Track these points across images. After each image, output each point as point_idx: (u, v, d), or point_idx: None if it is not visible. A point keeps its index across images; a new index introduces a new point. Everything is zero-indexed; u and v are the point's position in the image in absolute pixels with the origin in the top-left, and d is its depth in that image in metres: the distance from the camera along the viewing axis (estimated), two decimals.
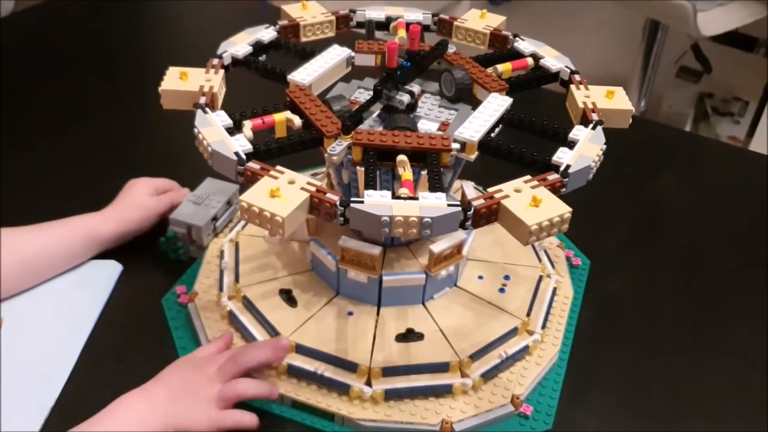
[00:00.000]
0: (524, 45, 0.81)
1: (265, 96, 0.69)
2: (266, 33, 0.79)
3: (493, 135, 0.68)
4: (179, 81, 0.70)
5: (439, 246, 0.74)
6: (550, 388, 0.76)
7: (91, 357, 0.77)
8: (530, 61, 0.79)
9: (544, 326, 0.80)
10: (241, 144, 0.63)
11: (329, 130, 0.65)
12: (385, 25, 0.83)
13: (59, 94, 1.21)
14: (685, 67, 2.34)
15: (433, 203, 0.58)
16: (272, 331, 0.75)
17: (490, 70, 0.76)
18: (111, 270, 0.86)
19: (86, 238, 0.85)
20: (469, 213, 0.58)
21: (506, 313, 0.78)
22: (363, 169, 0.63)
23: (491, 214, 0.59)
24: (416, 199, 0.58)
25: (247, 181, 0.61)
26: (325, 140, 0.65)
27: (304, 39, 0.81)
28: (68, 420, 0.65)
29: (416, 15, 0.83)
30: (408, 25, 0.80)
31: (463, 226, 0.59)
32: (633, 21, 2.42)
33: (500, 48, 0.82)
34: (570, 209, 0.59)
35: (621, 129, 0.72)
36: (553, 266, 0.88)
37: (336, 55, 0.76)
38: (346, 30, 0.84)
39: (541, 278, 0.83)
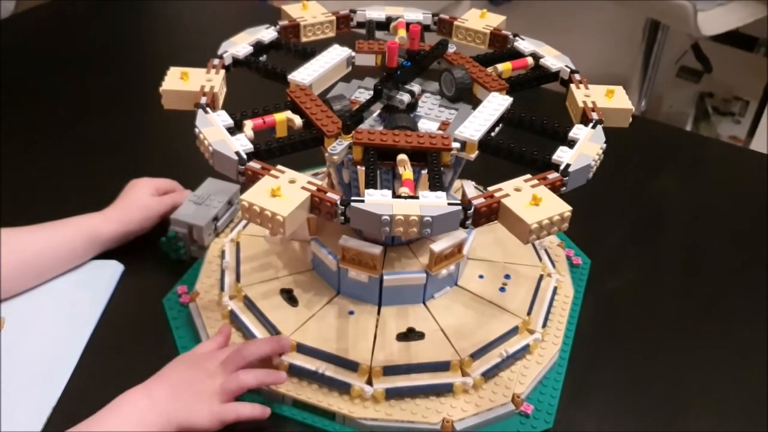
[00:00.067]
0: (524, 44, 0.81)
1: (265, 96, 0.70)
2: (267, 33, 0.80)
3: (493, 134, 0.68)
4: (180, 81, 0.71)
5: (440, 245, 0.74)
6: (550, 387, 0.76)
7: (93, 356, 0.77)
8: (530, 60, 0.80)
9: (544, 325, 0.80)
10: (242, 144, 0.63)
11: (330, 130, 0.65)
12: (385, 25, 0.83)
13: (60, 95, 1.21)
14: (686, 67, 2.34)
15: (433, 202, 0.58)
16: (273, 331, 0.75)
17: (490, 69, 0.76)
18: (112, 270, 0.87)
19: (87, 238, 0.85)
20: (469, 212, 0.58)
21: (507, 313, 0.78)
22: (363, 168, 0.63)
23: (491, 212, 0.59)
24: (417, 198, 0.58)
25: (248, 180, 0.61)
26: (325, 140, 0.65)
27: (304, 39, 0.82)
28: (70, 419, 0.65)
29: (416, 15, 0.84)
30: (408, 25, 0.81)
31: (463, 224, 0.59)
32: (633, 21, 2.42)
33: (500, 47, 0.82)
34: (570, 208, 0.59)
35: (622, 128, 0.72)
36: (553, 265, 0.88)
37: (336, 55, 0.76)
38: (347, 30, 0.84)
39: (541, 277, 0.83)
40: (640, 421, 0.75)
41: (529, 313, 0.79)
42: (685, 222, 1.04)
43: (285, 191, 0.58)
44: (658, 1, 1.95)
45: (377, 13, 0.83)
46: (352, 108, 0.70)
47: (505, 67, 0.77)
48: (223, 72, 0.73)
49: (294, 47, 0.79)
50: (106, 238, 0.86)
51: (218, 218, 0.89)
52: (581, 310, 0.85)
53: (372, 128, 0.69)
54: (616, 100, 0.73)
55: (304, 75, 0.72)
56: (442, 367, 0.73)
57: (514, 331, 0.77)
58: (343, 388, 0.72)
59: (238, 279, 0.81)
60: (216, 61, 0.74)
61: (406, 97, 0.70)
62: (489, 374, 0.74)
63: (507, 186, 0.61)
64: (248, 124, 0.66)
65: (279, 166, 0.61)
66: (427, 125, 0.72)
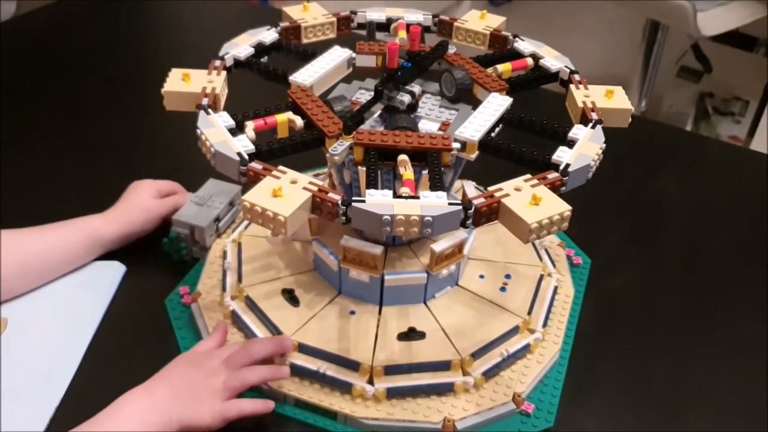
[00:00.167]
0: (524, 45, 0.81)
1: (267, 97, 0.70)
2: (268, 34, 0.80)
3: (493, 134, 0.68)
4: (182, 83, 0.71)
5: (441, 245, 0.74)
6: (551, 386, 0.77)
7: (95, 357, 0.78)
8: (530, 61, 0.80)
9: (545, 325, 0.80)
10: (244, 144, 0.63)
11: (331, 131, 0.65)
12: (385, 26, 0.83)
13: (60, 95, 1.21)
14: (686, 67, 2.35)
15: (434, 202, 0.58)
16: (275, 331, 0.75)
17: (490, 70, 0.77)
18: (114, 271, 0.87)
19: (89, 240, 0.85)
20: (469, 212, 0.59)
21: (507, 312, 0.78)
22: (364, 168, 0.64)
23: (492, 212, 0.60)
24: (417, 198, 0.58)
25: (250, 181, 0.61)
26: (326, 140, 0.65)
27: (305, 40, 0.82)
28: (73, 420, 0.66)
29: (416, 16, 0.84)
30: (408, 26, 0.81)
31: (463, 224, 0.59)
32: (633, 21, 2.42)
33: (500, 48, 0.82)
34: (570, 207, 0.59)
35: (622, 128, 0.72)
36: (554, 265, 0.88)
37: (337, 56, 0.76)
38: (347, 31, 0.84)
39: (542, 277, 0.83)
40: (641, 420, 0.76)
41: (529, 313, 0.79)
42: (685, 222, 1.04)
43: (286, 192, 0.58)
44: (658, 1, 1.96)
45: (378, 15, 0.83)
46: (352, 109, 0.70)
47: (505, 67, 0.77)
48: (224, 73, 0.73)
49: (295, 48, 0.79)
50: (107, 240, 0.86)
51: (220, 219, 0.89)
52: (581, 309, 0.86)
53: (373, 129, 0.69)
54: (616, 100, 0.73)
55: (305, 76, 0.72)
56: (443, 366, 0.73)
57: (514, 330, 0.77)
58: (345, 388, 0.73)
59: (239, 279, 0.81)
60: (217, 63, 0.74)
61: (406, 98, 0.71)
62: (490, 373, 0.74)
63: (507, 186, 0.61)
64: (250, 125, 0.66)
65: (280, 167, 0.61)
66: (428, 126, 0.72)
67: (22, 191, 0.99)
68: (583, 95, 0.73)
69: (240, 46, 0.77)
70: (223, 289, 0.82)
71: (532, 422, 0.73)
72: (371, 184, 0.61)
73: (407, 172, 0.62)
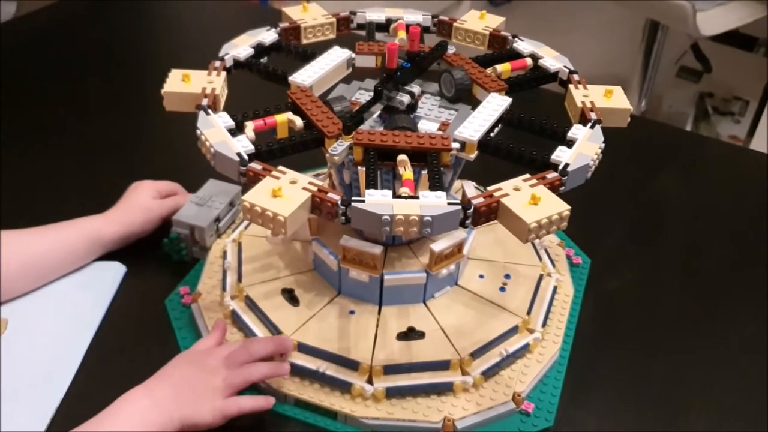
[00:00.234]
0: (523, 45, 0.81)
1: (266, 97, 0.70)
2: (267, 35, 0.80)
3: (492, 134, 0.69)
4: (181, 83, 0.71)
5: (440, 245, 0.74)
6: (551, 386, 0.77)
7: (96, 358, 0.78)
8: (529, 61, 0.80)
9: (544, 324, 0.80)
10: (243, 145, 0.64)
11: (330, 131, 0.65)
12: (385, 26, 0.83)
13: (60, 96, 1.21)
14: (685, 67, 2.35)
15: (433, 202, 0.58)
16: (275, 331, 0.76)
17: (489, 70, 0.77)
18: (115, 271, 0.87)
19: (89, 240, 0.85)
20: (469, 211, 0.59)
21: (507, 312, 0.78)
22: (364, 168, 0.64)
23: (491, 212, 0.60)
24: (417, 198, 0.58)
25: (250, 181, 0.61)
26: (326, 141, 0.66)
27: (305, 41, 0.82)
28: (73, 420, 0.66)
29: (416, 16, 0.84)
30: (408, 26, 0.81)
31: (463, 224, 0.59)
32: (633, 21, 2.42)
33: (499, 48, 0.83)
34: (568, 207, 0.59)
35: (623, 128, 0.73)
36: (553, 265, 0.88)
37: (337, 56, 0.76)
38: (347, 32, 0.84)
39: (541, 277, 0.84)
40: (640, 419, 0.76)
41: (529, 313, 0.79)
42: (685, 222, 1.04)
43: (286, 192, 0.58)
44: (657, 1, 1.96)
45: (377, 15, 0.83)
46: (352, 109, 0.70)
47: (504, 67, 0.77)
48: (224, 74, 0.73)
49: (294, 49, 0.79)
50: (108, 240, 0.86)
51: (220, 219, 0.89)
52: (581, 309, 0.86)
53: (372, 129, 0.69)
54: (615, 100, 0.73)
55: (305, 76, 0.72)
56: (443, 366, 0.73)
57: (514, 330, 0.77)
58: (345, 388, 0.73)
59: (239, 279, 0.81)
60: (217, 63, 0.74)
61: (406, 98, 0.71)
62: (489, 373, 0.75)
63: (506, 186, 0.61)
64: (249, 126, 0.66)
65: (280, 167, 0.62)
66: (427, 126, 0.72)
67: (22, 191, 0.99)
68: (582, 95, 0.73)
69: (240, 47, 0.77)
70: (223, 289, 0.82)
71: (531, 421, 0.73)
72: (371, 184, 0.61)
73: (407, 172, 0.63)
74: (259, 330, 0.77)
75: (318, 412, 0.73)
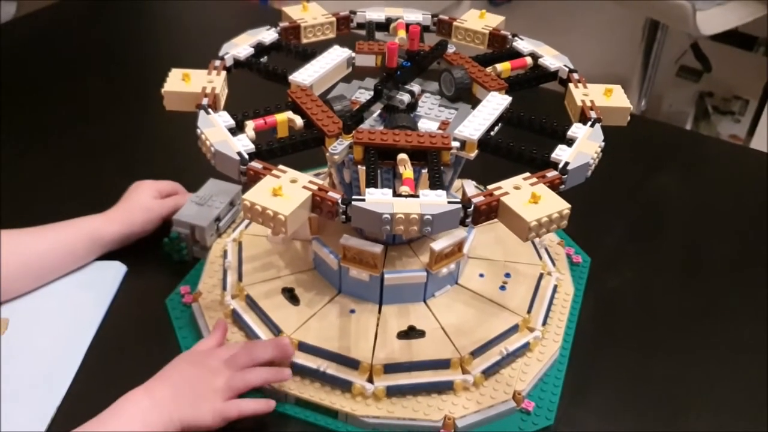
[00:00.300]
0: (523, 44, 0.81)
1: (266, 97, 0.70)
2: (267, 35, 0.80)
3: (492, 133, 0.69)
4: (182, 83, 0.71)
5: (440, 244, 0.75)
6: (551, 384, 0.77)
7: (96, 357, 0.78)
8: (529, 60, 0.80)
9: (544, 323, 0.80)
10: (244, 144, 0.64)
11: (330, 130, 0.65)
12: (385, 26, 0.83)
13: (60, 96, 1.21)
14: (685, 66, 2.35)
15: (433, 200, 0.58)
16: (275, 330, 0.76)
17: (489, 69, 0.77)
18: (115, 271, 0.87)
19: (90, 240, 0.85)
20: (469, 210, 0.59)
21: (507, 311, 0.78)
22: (364, 167, 0.64)
23: (491, 210, 0.60)
24: (417, 196, 0.58)
25: (250, 180, 0.61)
26: (326, 140, 0.66)
27: (305, 40, 0.82)
28: (74, 420, 0.66)
29: (416, 16, 0.84)
30: (408, 25, 0.81)
31: (463, 223, 0.59)
32: (633, 21, 2.42)
33: (499, 47, 0.83)
34: (568, 205, 0.59)
35: (623, 128, 0.73)
36: (553, 264, 0.88)
37: (337, 55, 0.76)
38: (347, 31, 0.84)
39: (541, 276, 0.84)
40: (640, 419, 0.76)
41: (529, 311, 0.79)
42: (684, 221, 1.04)
43: (286, 191, 0.58)
44: (657, 1, 1.96)
45: (377, 14, 0.83)
46: (352, 108, 0.71)
47: (504, 66, 0.77)
48: (224, 73, 0.74)
49: (294, 48, 0.79)
50: (108, 240, 0.86)
51: (220, 219, 0.90)
52: (581, 308, 0.86)
53: (372, 128, 0.69)
54: (615, 98, 0.73)
55: (305, 76, 0.72)
56: (443, 364, 0.73)
57: (514, 329, 0.77)
58: (345, 386, 0.73)
59: (240, 278, 0.81)
60: (217, 63, 0.75)
61: (406, 97, 0.71)
62: (489, 372, 0.75)
63: (506, 184, 0.61)
64: (249, 125, 0.66)
65: (280, 166, 0.62)
66: (427, 125, 0.72)
67: (22, 191, 0.99)
68: (582, 94, 0.73)
69: (240, 46, 0.78)
70: (224, 288, 0.82)
71: (532, 420, 0.73)
72: (371, 183, 0.61)
73: (407, 171, 0.63)
74: (259, 329, 0.77)
75: (318, 411, 0.73)
